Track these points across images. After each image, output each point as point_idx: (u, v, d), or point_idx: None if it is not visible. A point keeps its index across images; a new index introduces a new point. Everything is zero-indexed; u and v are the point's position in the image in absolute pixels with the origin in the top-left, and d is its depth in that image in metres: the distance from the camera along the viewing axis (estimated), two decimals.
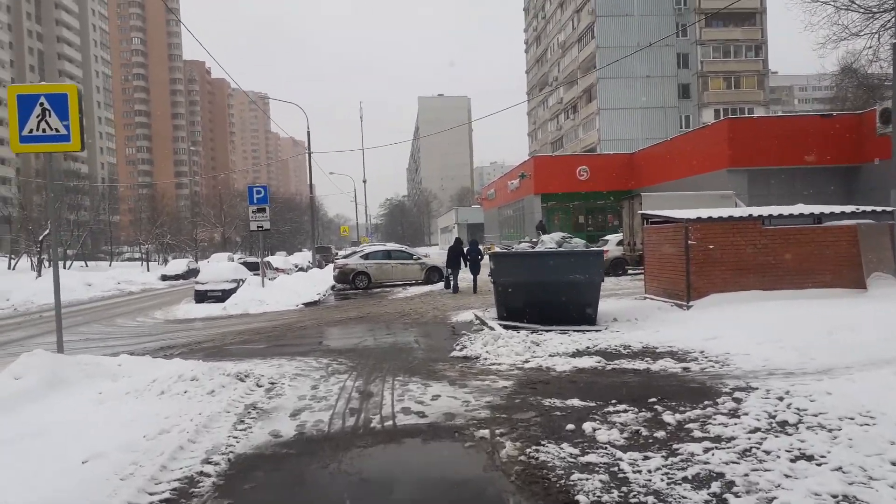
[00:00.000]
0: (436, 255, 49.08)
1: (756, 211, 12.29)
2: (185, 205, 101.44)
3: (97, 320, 18.85)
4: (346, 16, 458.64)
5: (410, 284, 23.80)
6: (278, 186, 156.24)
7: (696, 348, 8.22)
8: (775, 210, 12.31)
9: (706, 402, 5.66)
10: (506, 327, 10.52)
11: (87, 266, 54.39)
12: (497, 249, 11.31)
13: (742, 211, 12.16)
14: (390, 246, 29.55)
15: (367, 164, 68.41)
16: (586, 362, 7.52)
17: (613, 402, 5.86)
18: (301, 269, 36.91)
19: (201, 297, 22.89)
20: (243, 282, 22.63)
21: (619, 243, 22.10)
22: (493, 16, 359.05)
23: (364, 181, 70.17)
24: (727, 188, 25.26)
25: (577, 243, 11.34)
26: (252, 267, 27.29)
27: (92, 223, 53.72)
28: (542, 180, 37.91)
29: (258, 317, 16.94)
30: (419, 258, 24.95)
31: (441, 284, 22.81)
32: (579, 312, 10.96)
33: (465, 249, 20.15)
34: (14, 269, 46.91)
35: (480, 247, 20.98)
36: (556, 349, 8.32)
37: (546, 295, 10.86)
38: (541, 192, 38.12)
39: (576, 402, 5.93)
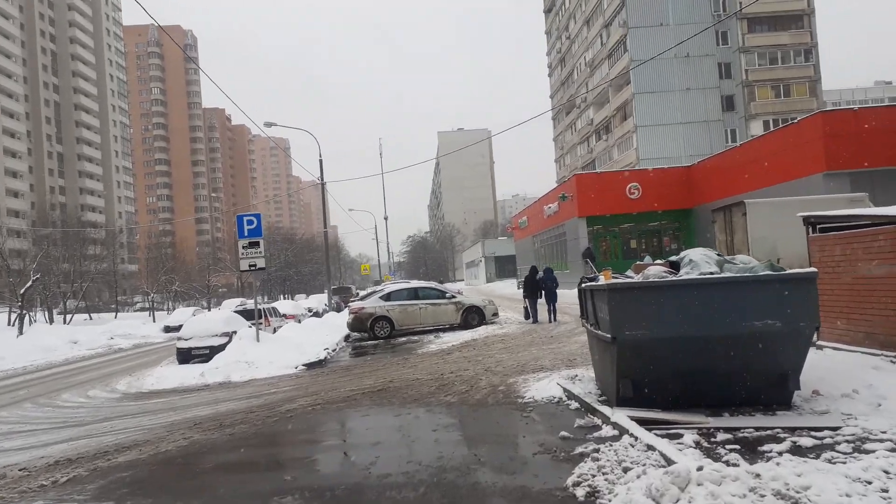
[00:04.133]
0: (466, 291, 44.18)
1: None
2: (204, 251, 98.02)
3: (39, 395, 14.29)
4: (362, 61, 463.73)
5: (444, 330, 18.98)
6: (301, 229, 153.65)
7: None
8: None
9: None
10: (642, 422, 5.65)
11: (90, 318, 50.49)
12: (616, 279, 6.42)
13: None
14: (417, 283, 24.75)
15: (388, 204, 64.29)
16: None
17: None
18: (315, 314, 32.33)
19: (185, 356, 18.29)
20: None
21: None
22: (512, 50, 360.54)
23: (385, 218, 66.30)
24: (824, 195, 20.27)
25: (748, 263, 6.49)
26: (253, 315, 22.51)
27: (94, 273, 49.81)
28: (586, 201, 33.06)
29: (239, 389, 12.23)
30: (453, 296, 20.12)
31: (483, 328, 18.32)
32: (766, 386, 6.10)
33: (538, 278, 19.50)
34: (13, 325, 43.05)
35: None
36: None
37: (706, 358, 6.02)
38: (585, 215, 33.21)
39: None
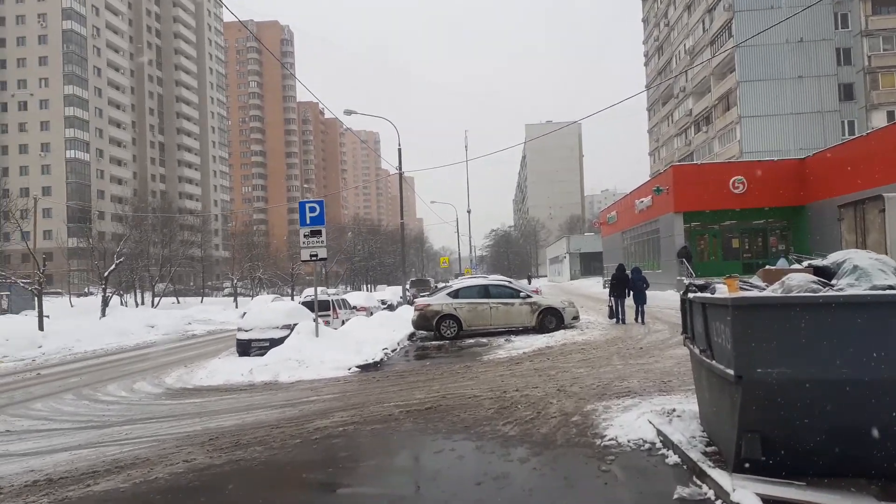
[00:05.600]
0: (546, 289, 41.97)
1: None
2: (293, 240, 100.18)
3: (86, 385, 13.66)
4: (451, 56, 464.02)
5: (516, 332, 17.16)
6: (388, 221, 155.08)
7: None
8: None
9: None
10: None
11: (178, 302, 51.91)
12: (746, 293, 4.48)
13: None
14: (492, 279, 22.97)
15: (472, 199, 62.99)
16: None
17: None
18: (389, 307, 31.20)
19: (244, 348, 17.47)
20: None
21: None
22: (605, 41, 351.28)
23: (468, 211, 65.05)
24: None
25: None
26: (322, 306, 21.29)
27: (181, 258, 51.06)
28: (683, 195, 30.19)
29: (281, 392, 10.98)
30: (528, 295, 18.16)
31: (560, 333, 16.35)
32: None
33: (629, 276, 18.57)
34: (108, 305, 44.62)
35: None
36: None
37: (879, 411, 4.03)
38: (682, 210, 30.36)
39: None
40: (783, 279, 4.58)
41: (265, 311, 19.19)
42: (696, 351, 5.29)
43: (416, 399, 8.92)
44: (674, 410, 6.52)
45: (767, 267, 5.42)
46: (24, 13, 79.48)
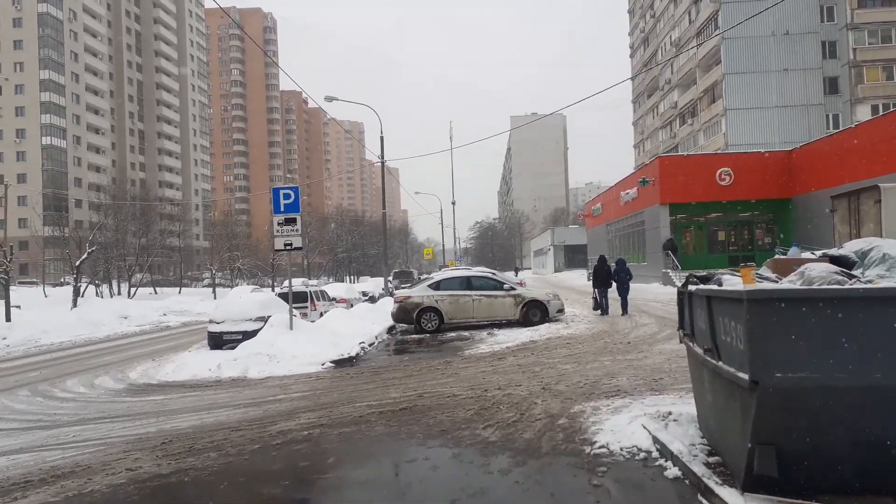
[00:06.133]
0: (530, 281, 41.48)
1: None
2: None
3: (44, 380, 12.89)
4: (438, 45, 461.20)
5: (499, 326, 16.59)
6: (371, 212, 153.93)
7: None
8: None
9: None
10: None
11: (155, 293, 50.80)
12: (761, 286, 3.86)
13: None
14: (475, 270, 22.36)
15: (457, 191, 62.01)
16: None
17: None
18: (371, 299, 30.52)
19: (216, 341, 16.72)
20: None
21: None
22: (591, 35, 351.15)
23: (452, 202, 64.44)
24: None
25: None
26: (299, 297, 20.50)
27: (158, 248, 49.89)
28: (669, 186, 29.73)
29: (247, 389, 10.30)
30: (511, 288, 17.55)
31: (545, 327, 15.79)
32: None
33: (612, 268, 18.69)
34: (83, 295, 43.43)
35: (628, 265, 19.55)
36: None
37: None
38: (668, 202, 29.91)
39: None
40: (801, 269, 4.00)
41: (238, 302, 18.44)
42: (699, 350, 4.70)
43: (390, 398, 8.30)
44: (669, 413, 5.94)
45: (778, 256, 4.85)
46: None
